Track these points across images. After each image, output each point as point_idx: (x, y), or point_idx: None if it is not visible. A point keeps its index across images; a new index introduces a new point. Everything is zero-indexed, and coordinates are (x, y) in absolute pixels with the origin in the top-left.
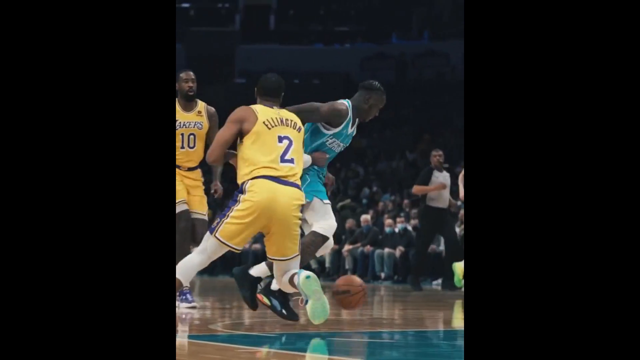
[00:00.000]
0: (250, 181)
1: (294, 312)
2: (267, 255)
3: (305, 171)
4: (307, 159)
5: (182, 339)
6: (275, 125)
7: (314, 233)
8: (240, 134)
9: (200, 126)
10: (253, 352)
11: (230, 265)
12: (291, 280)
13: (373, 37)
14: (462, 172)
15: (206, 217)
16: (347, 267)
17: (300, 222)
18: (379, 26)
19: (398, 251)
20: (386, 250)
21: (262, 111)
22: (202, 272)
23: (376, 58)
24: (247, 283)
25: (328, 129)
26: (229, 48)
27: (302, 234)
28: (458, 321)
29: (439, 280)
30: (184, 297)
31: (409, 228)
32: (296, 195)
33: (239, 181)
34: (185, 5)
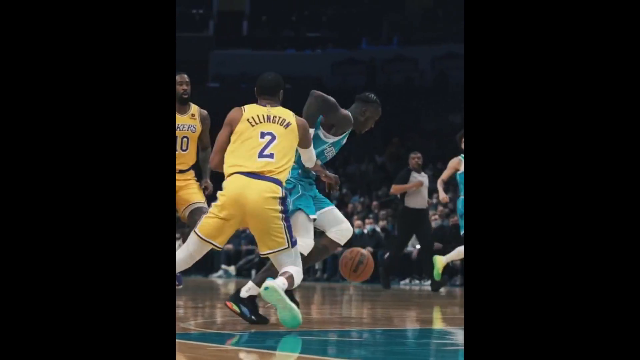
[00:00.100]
0: (227, 178)
1: (263, 317)
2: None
3: (298, 180)
4: (312, 156)
5: None
6: (260, 123)
7: (326, 239)
8: (232, 134)
9: (193, 129)
10: (224, 350)
11: (202, 265)
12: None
13: (344, 42)
14: (443, 175)
15: (205, 205)
16: (316, 267)
17: (280, 214)
18: (350, 32)
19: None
20: None
21: (249, 109)
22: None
23: (347, 63)
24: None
25: (328, 137)
26: (203, 53)
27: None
28: (425, 320)
29: (407, 280)
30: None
31: (378, 229)
32: (268, 189)
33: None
34: None
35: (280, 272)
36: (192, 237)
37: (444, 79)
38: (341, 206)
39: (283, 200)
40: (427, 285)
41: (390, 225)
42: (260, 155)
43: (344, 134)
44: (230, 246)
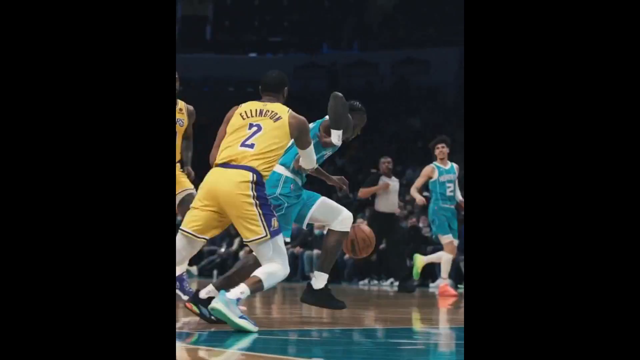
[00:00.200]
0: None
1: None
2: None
3: (286, 196)
4: (311, 159)
5: None
6: (251, 116)
7: (334, 234)
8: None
9: (181, 123)
10: (183, 348)
11: None
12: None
13: (305, 47)
14: (417, 182)
15: (194, 191)
16: None
17: (252, 200)
18: (311, 37)
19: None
20: (315, 251)
21: (245, 105)
22: None
23: (308, 67)
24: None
25: (327, 145)
26: None
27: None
28: (383, 319)
29: (366, 281)
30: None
31: None
32: (238, 174)
33: None
34: None
35: (250, 276)
36: (177, 234)
37: (404, 84)
38: None
39: (256, 185)
40: (386, 285)
41: None
42: (242, 144)
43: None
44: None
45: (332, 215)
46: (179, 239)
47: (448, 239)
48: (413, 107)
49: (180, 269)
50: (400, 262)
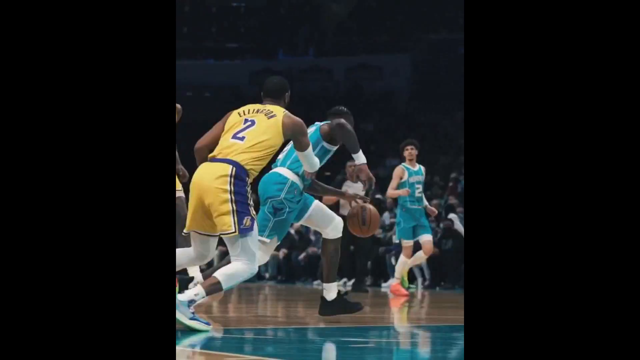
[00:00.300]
0: None
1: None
2: None
3: (288, 201)
4: (312, 162)
5: None
6: (249, 114)
7: (328, 241)
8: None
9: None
10: None
11: None
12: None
13: (261, 53)
14: (392, 184)
15: (182, 194)
16: None
17: (227, 194)
18: (267, 43)
19: (282, 253)
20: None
21: (245, 106)
22: None
23: (264, 73)
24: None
25: (330, 147)
26: None
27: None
28: (335, 319)
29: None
30: None
31: (292, 232)
32: (219, 168)
33: None
34: None
35: (210, 277)
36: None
37: (358, 89)
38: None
39: (234, 179)
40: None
41: (304, 227)
42: (234, 136)
43: (339, 143)
44: None
45: (325, 222)
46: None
47: (408, 244)
48: (366, 112)
49: (192, 271)
50: (364, 265)
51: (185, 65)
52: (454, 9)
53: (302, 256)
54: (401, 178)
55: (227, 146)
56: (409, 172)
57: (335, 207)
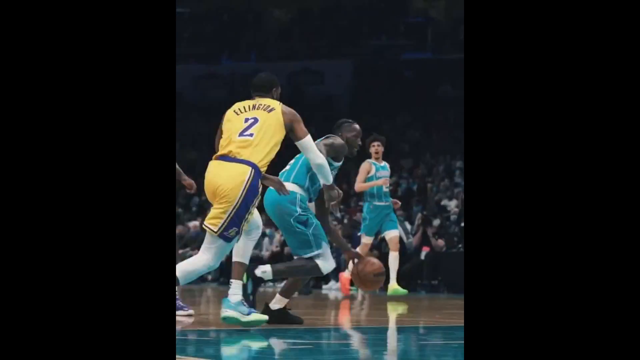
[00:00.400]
0: None
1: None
2: None
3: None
4: (315, 155)
5: None
6: (245, 111)
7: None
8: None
9: None
10: None
11: None
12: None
13: (204, 58)
14: (359, 179)
15: None
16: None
17: (237, 199)
18: (210, 48)
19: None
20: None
21: (237, 104)
22: None
23: (207, 78)
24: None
25: (336, 162)
26: None
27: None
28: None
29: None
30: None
31: None
32: (236, 170)
33: None
34: None
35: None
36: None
37: (300, 94)
38: (200, 212)
39: (249, 184)
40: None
41: None
42: (241, 134)
43: (342, 161)
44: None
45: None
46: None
47: (368, 240)
48: (308, 116)
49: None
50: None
51: None
52: (395, 15)
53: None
54: (368, 172)
55: (237, 143)
56: (376, 167)
57: None
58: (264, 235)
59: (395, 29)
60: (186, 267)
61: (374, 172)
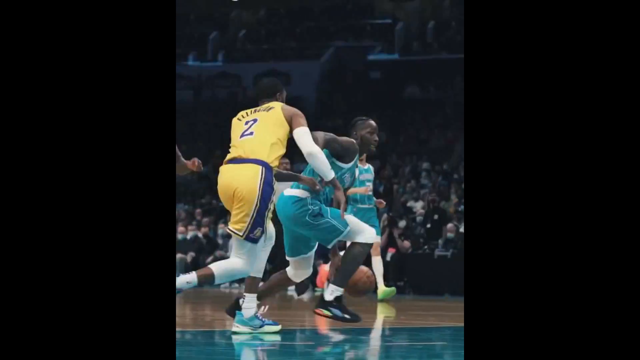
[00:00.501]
0: None
1: (354, 314)
2: None
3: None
4: (306, 143)
5: None
6: (247, 116)
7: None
8: None
9: None
10: None
11: None
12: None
13: None
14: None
15: None
16: None
17: (255, 200)
18: (177, 49)
19: (189, 257)
20: (179, 255)
21: (241, 111)
22: None
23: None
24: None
25: (343, 165)
26: None
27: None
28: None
29: (227, 283)
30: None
31: (200, 235)
32: (248, 170)
33: None
34: None
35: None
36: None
37: None
38: None
39: (263, 183)
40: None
41: (212, 231)
42: (242, 136)
43: (354, 160)
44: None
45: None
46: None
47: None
48: None
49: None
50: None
51: None
52: (362, 17)
53: (209, 259)
54: None
55: (240, 145)
56: (360, 170)
57: None
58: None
59: (362, 31)
60: (225, 266)
61: (357, 175)
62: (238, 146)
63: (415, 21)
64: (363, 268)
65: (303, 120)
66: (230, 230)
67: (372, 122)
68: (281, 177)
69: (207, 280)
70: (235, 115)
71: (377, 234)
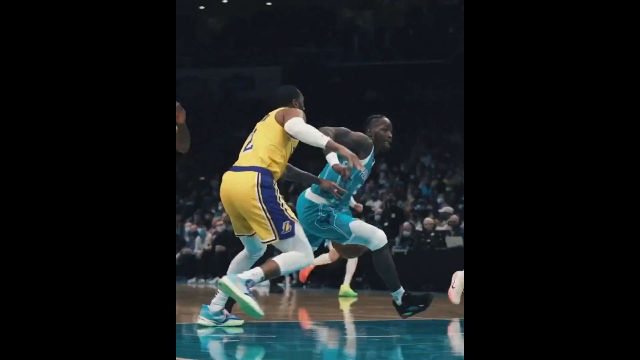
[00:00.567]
0: None
1: (423, 296)
2: None
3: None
4: (297, 128)
5: None
6: (254, 131)
7: (374, 253)
8: None
9: None
10: None
11: None
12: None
13: None
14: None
15: None
16: None
17: (258, 203)
18: None
19: None
20: None
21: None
22: None
23: None
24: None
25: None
26: None
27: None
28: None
29: (194, 279)
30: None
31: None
32: (245, 178)
33: None
34: None
35: (269, 261)
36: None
37: (232, 99)
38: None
39: (261, 188)
40: (212, 284)
41: (179, 229)
42: (245, 149)
43: (370, 155)
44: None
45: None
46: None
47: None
48: (239, 120)
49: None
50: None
51: None
52: (324, 24)
53: (177, 256)
54: None
55: (242, 156)
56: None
57: None
58: (195, 234)
59: (324, 37)
60: (293, 259)
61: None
62: (240, 156)
63: (374, 29)
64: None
65: (294, 113)
66: (266, 243)
67: (386, 119)
68: (301, 179)
69: (274, 273)
70: (202, 118)
71: None
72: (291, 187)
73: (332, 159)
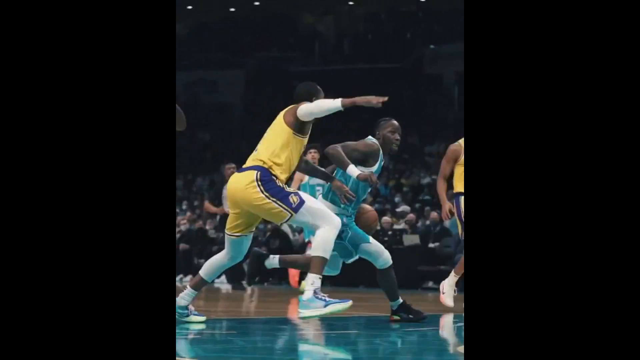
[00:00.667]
0: None
1: (417, 311)
2: None
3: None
4: (311, 110)
5: None
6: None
7: (378, 272)
8: None
9: None
10: None
11: None
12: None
13: None
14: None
15: None
16: None
17: (263, 196)
18: None
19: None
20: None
21: None
22: None
23: None
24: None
25: (369, 167)
26: None
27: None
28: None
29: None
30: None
31: None
32: (245, 178)
33: None
34: None
35: (311, 260)
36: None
37: (195, 101)
38: None
39: (262, 182)
40: (176, 281)
41: None
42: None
43: (379, 161)
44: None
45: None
46: (226, 240)
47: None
48: (203, 122)
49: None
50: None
51: None
52: (285, 30)
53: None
54: (301, 181)
55: (249, 158)
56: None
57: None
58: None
59: (286, 43)
60: (322, 239)
61: (307, 180)
62: (248, 159)
63: (334, 34)
64: (370, 215)
65: (300, 104)
66: (283, 225)
67: (394, 122)
68: (314, 174)
69: (322, 264)
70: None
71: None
72: None
73: (354, 170)
